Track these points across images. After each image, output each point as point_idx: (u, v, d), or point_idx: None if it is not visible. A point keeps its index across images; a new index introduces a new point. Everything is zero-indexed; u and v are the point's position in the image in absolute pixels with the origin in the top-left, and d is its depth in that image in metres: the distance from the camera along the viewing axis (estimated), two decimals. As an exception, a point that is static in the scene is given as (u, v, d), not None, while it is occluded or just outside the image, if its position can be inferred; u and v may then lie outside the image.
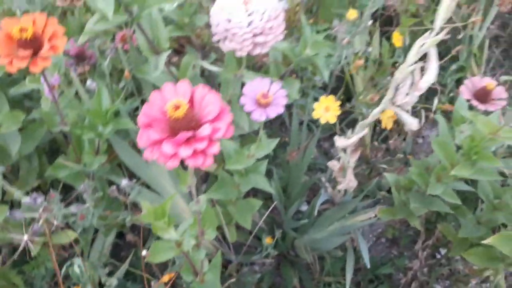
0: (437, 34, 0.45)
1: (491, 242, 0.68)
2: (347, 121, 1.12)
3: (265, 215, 0.84)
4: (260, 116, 0.55)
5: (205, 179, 1.01)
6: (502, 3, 0.95)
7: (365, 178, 1.05)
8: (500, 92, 0.70)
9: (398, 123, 1.10)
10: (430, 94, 1.12)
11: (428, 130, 1.27)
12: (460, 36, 1.06)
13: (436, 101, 0.94)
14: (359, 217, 0.76)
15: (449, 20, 0.91)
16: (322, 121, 0.63)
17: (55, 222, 0.50)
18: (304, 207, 1.07)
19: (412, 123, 0.51)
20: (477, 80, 0.71)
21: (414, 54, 0.48)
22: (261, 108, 0.56)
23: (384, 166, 1.03)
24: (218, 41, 0.56)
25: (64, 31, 0.52)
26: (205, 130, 0.34)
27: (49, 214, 0.49)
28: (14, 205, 0.86)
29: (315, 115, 0.62)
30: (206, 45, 0.93)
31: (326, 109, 0.61)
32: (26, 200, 0.52)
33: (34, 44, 0.50)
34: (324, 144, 1.23)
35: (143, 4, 0.60)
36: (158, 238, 0.49)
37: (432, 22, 1.14)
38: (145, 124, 0.36)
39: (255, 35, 0.54)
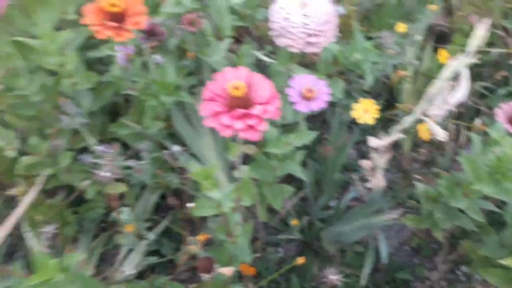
0: (471, 57, 0.50)
1: (509, 263, 0.71)
2: (389, 127, 1.16)
3: (295, 201, 0.91)
4: (303, 108, 0.62)
5: (244, 161, 1.09)
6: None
7: (398, 185, 1.09)
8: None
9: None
10: (475, 114, 1.14)
11: (468, 150, 1.28)
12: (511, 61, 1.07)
13: (477, 121, 0.96)
14: (384, 217, 0.81)
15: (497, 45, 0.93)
16: (360, 121, 0.68)
17: (114, 173, 0.59)
18: (333, 203, 1.13)
19: (440, 134, 0.56)
20: (513, 105, 0.74)
21: (447, 72, 0.52)
22: (305, 101, 0.62)
23: (418, 176, 1.07)
24: (275, 36, 0.63)
25: (145, 9, 0.61)
26: (256, 110, 0.41)
27: (112, 163, 0.59)
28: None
29: (353, 114, 0.68)
30: (263, 37, 1.00)
31: (365, 111, 0.66)
32: (99, 148, 0.61)
33: (120, 18, 0.59)
34: (362, 147, 1.27)
35: (216, -6, 0.67)
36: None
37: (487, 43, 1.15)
38: (208, 98, 0.44)
39: (308, 35, 0.60)
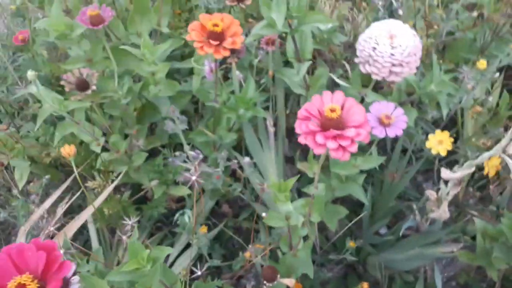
0: None
1: None
2: (448, 160, 1.15)
3: (351, 223, 0.93)
4: (380, 133, 0.64)
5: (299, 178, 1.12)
6: None
7: (452, 219, 1.08)
8: None
9: (499, 175, 1.11)
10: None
11: (528, 191, 1.25)
12: None
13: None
14: (441, 249, 0.81)
15: None
16: (433, 152, 0.70)
17: (193, 177, 0.64)
18: (383, 230, 1.13)
19: (519, 173, 0.57)
20: None
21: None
22: (382, 126, 0.65)
23: (474, 212, 1.05)
24: (359, 63, 0.66)
25: (241, 30, 0.66)
26: (350, 132, 0.45)
27: (193, 168, 0.64)
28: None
29: (428, 145, 0.69)
30: (335, 60, 1.04)
31: (439, 142, 0.68)
32: (192, 153, 0.66)
33: (220, 37, 0.64)
34: (418, 177, 1.27)
35: (302, 20, 0.72)
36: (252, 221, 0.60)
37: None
38: (303, 117, 0.47)
39: (393, 65, 0.63)
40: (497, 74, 0.81)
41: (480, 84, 0.98)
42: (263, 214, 0.62)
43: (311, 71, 1.01)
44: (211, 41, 0.62)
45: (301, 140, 0.46)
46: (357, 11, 1.03)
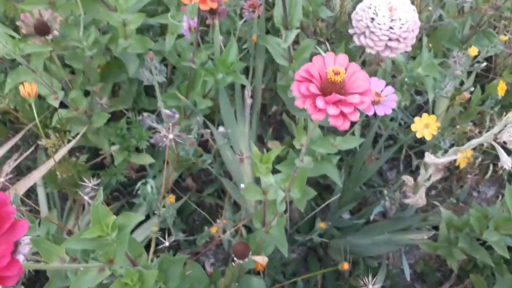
0: None
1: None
2: (415, 150, 1.16)
3: (322, 205, 0.90)
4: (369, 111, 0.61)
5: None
6: None
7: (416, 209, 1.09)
8: None
9: (461, 170, 1.13)
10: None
11: (486, 187, 1.29)
12: None
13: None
14: (411, 235, 0.80)
15: None
16: (418, 135, 0.68)
17: (170, 135, 0.57)
18: (346, 216, 1.12)
19: (506, 161, 0.56)
20: None
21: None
22: (372, 104, 0.61)
23: (436, 203, 1.06)
24: (354, 34, 0.62)
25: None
26: (354, 99, 0.40)
27: (167, 130, 0.57)
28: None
29: (413, 127, 0.67)
30: (320, 35, 0.99)
31: (426, 126, 0.66)
32: (167, 111, 0.60)
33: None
34: (383, 165, 1.27)
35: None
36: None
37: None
38: (302, 79, 0.43)
39: (390, 40, 0.59)
40: (484, 64, 0.80)
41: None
42: (241, 186, 0.58)
43: (292, 45, 0.96)
44: (198, -10, 0.56)
45: (298, 103, 0.42)
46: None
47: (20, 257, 0.30)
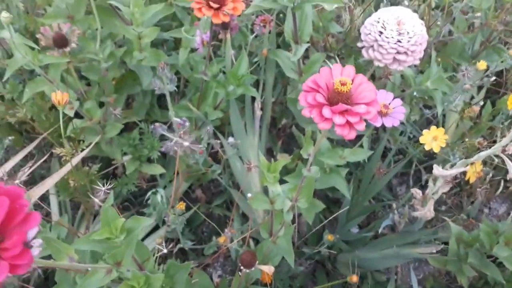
0: None
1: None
2: (425, 165, 1.16)
3: (329, 218, 0.90)
4: (376, 123, 0.62)
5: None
6: None
7: (424, 224, 1.08)
8: None
9: (472, 186, 1.12)
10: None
11: (497, 204, 1.27)
12: None
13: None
14: (420, 249, 0.80)
15: None
16: (427, 147, 0.68)
17: (185, 143, 0.59)
18: (355, 230, 1.12)
19: (513, 174, 0.56)
20: None
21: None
22: (379, 115, 0.62)
23: (445, 218, 1.06)
24: (363, 47, 0.63)
25: (242, -1, 0.62)
26: (361, 109, 0.41)
27: (179, 140, 0.59)
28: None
29: (422, 140, 0.68)
30: (329, 50, 1.01)
31: (434, 138, 0.66)
32: (178, 119, 0.61)
33: (220, 1, 0.60)
34: (392, 180, 1.27)
35: (307, -1, 0.68)
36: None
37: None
38: (309, 89, 0.44)
39: (398, 53, 0.60)
40: (492, 79, 0.81)
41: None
42: (249, 195, 0.58)
43: (302, 59, 0.98)
44: (211, 3, 0.58)
45: (305, 113, 0.43)
46: (355, 2, 1.01)
47: (33, 248, 0.32)
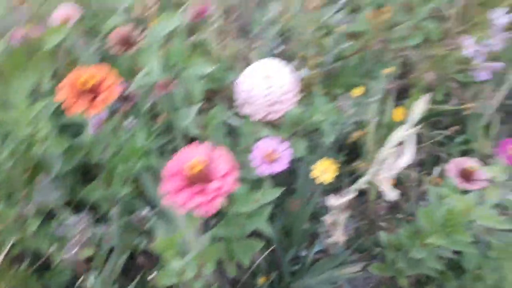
0: (412, 127, 0.55)
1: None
2: (354, 177, 1.20)
3: (263, 255, 0.92)
4: (265, 170, 0.65)
5: (216, 213, 1.10)
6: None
7: (364, 233, 1.12)
8: (481, 173, 0.78)
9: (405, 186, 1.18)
10: (436, 161, 1.20)
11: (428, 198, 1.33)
12: (466, 113, 1.14)
13: (435, 170, 1.02)
14: (346, 270, 0.83)
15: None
16: (318, 181, 0.72)
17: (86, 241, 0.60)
18: (304, 253, 1.14)
19: (390, 195, 0.60)
20: (462, 161, 0.80)
21: (392, 142, 0.57)
22: (268, 163, 0.66)
23: (383, 224, 1.10)
24: (239, 105, 0.67)
25: (118, 81, 0.64)
26: (213, 185, 0.44)
27: (83, 233, 0.60)
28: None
29: (313, 174, 0.72)
30: (232, 98, 1.05)
31: (324, 171, 0.70)
32: (72, 219, 0.62)
33: (95, 90, 0.62)
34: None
35: (184, 65, 0.72)
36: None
37: (443, 94, 1.24)
38: (169, 174, 0.46)
39: (270, 105, 0.64)
40: (379, 96, 0.86)
41: (371, 106, 1.04)
42: (154, 274, 0.60)
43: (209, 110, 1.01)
44: (83, 98, 0.60)
45: (167, 200, 0.45)
46: (249, 47, 1.06)
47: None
